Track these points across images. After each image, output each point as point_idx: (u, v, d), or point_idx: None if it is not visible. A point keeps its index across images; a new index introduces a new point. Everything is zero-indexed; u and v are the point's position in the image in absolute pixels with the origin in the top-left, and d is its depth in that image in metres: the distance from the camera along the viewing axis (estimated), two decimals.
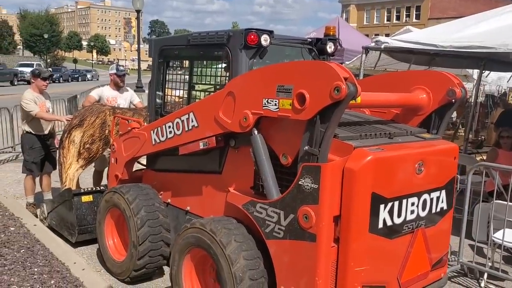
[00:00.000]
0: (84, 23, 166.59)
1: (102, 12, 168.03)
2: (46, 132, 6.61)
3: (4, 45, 66.02)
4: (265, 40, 3.76)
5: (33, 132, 6.47)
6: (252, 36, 3.72)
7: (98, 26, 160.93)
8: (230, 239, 3.45)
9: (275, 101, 3.22)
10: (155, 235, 4.39)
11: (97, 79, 55.18)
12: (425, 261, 3.59)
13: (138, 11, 20.94)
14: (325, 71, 2.96)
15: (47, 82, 6.56)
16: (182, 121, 4.04)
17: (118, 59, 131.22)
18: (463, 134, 10.01)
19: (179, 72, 4.83)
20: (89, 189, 5.69)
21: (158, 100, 4.80)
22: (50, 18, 73.80)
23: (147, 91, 18.90)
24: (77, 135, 5.95)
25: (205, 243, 3.58)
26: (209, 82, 4.57)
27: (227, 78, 3.98)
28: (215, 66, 4.49)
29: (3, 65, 40.31)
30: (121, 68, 7.04)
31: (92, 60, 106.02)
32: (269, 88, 3.26)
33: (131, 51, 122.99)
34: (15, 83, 38.61)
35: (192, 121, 3.94)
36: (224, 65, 4.13)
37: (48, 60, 68.54)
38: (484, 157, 7.43)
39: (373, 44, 7.42)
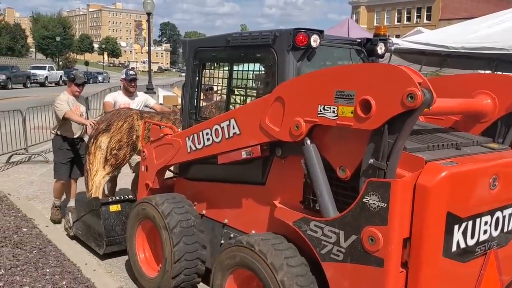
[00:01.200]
0: (96, 25, 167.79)
1: (113, 15, 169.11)
2: (76, 135, 6.41)
3: (17, 48, 66.60)
4: (314, 40, 3.47)
5: (63, 134, 6.31)
6: (301, 37, 3.43)
7: (109, 29, 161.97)
8: (282, 262, 3.11)
9: (333, 108, 2.88)
10: (191, 252, 4.06)
11: (108, 81, 55.57)
12: (497, 284, 3.29)
13: (148, 14, 21.06)
14: (396, 75, 2.63)
15: (81, 88, 6.34)
16: (222, 128, 3.70)
17: (129, 62, 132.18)
18: None
19: (217, 75, 4.53)
20: (117, 198, 5.43)
21: (193, 105, 4.49)
22: (62, 21, 74.59)
23: (158, 93, 18.91)
24: (104, 141, 5.61)
25: (253, 265, 3.26)
26: (250, 86, 4.30)
27: (272, 82, 3.66)
28: (258, 69, 4.14)
29: (16, 67, 40.64)
30: (130, 72, 6.75)
31: (104, 63, 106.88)
32: (325, 94, 2.93)
33: (142, 53, 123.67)
34: (28, 86, 38.92)
35: (234, 128, 3.61)
36: (267, 67, 3.81)
37: (60, 63, 69.16)
38: None
39: None
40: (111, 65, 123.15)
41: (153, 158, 4.56)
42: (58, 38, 66.55)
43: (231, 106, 4.23)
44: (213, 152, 3.87)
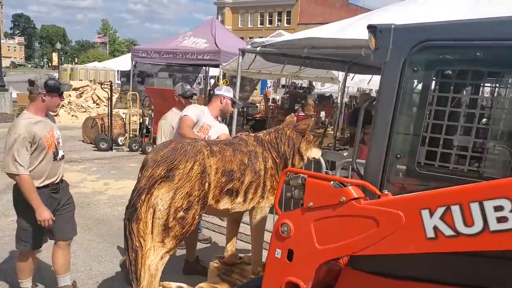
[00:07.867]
0: None
1: None
2: (56, 178, 4.03)
3: None
4: None
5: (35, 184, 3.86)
6: None
7: None
8: None
9: None
10: None
11: None
12: None
13: None
14: None
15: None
16: None
17: None
18: (332, 132, 10.77)
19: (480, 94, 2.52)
20: None
21: (405, 143, 2.50)
22: None
23: (11, 90, 17.11)
24: (163, 197, 3.35)
25: None
26: None
27: None
28: None
29: None
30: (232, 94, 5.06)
31: None
32: None
33: None
34: None
35: None
36: None
37: None
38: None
39: (249, 47, 7.64)
40: None
41: (312, 239, 2.40)
42: None
43: None
44: None
